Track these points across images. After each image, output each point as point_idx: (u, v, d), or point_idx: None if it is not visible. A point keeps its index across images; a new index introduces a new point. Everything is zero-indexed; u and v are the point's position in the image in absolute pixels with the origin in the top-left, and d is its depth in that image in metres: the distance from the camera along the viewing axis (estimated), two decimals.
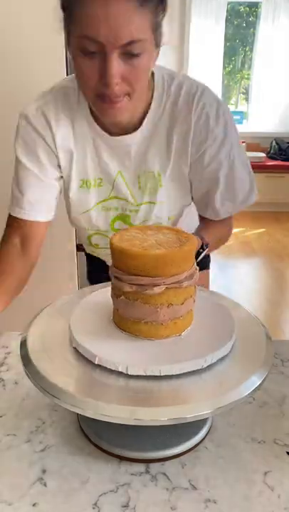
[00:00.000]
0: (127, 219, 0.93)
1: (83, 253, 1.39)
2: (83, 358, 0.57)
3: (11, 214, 0.87)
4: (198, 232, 0.87)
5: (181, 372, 0.54)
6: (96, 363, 0.55)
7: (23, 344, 0.61)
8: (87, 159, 0.86)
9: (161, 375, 0.54)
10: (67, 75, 1.44)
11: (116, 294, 0.60)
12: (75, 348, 0.59)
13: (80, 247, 1.66)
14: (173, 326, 0.59)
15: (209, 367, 0.56)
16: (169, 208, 0.89)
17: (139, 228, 0.64)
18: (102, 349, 0.57)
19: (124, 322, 0.60)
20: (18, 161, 0.85)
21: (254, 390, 0.54)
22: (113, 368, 0.54)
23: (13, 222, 0.87)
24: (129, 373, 0.54)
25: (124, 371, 0.54)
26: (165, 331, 0.59)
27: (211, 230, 0.90)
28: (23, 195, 0.85)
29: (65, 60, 1.43)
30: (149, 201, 0.89)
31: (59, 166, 0.86)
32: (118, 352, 0.57)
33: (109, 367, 0.55)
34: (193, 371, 0.55)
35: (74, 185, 0.88)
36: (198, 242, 0.91)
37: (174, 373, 0.54)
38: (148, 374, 0.54)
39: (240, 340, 0.62)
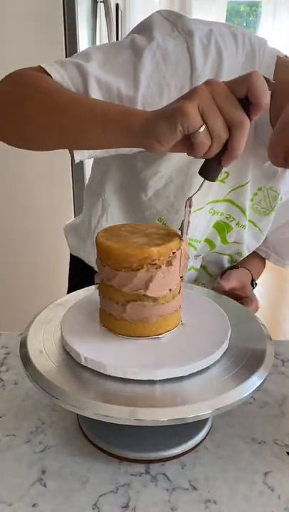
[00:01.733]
0: (223, 230, 0.85)
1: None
2: None
3: None
4: (247, 267, 0.88)
5: (181, 375, 0.54)
6: (99, 369, 0.55)
7: (23, 344, 0.61)
8: None
9: (160, 379, 0.54)
10: (65, 48, 1.43)
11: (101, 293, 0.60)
12: None
13: None
14: (162, 321, 0.59)
15: (208, 367, 0.56)
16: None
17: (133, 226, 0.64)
18: (94, 352, 0.56)
19: (111, 321, 0.60)
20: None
21: (254, 391, 0.53)
22: (111, 374, 0.54)
23: None
24: (125, 377, 0.53)
25: (122, 376, 0.54)
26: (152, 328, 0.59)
27: (256, 267, 0.91)
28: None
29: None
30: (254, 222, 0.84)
31: None
32: (110, 353, 0.56)
33: (105, 373, 0.54)
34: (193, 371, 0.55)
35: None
36: (248, 277, 0.91)
37: (172, 376, 0.54)
38: (145, 379, 0.53)
39: (240, 340, 0.61)
